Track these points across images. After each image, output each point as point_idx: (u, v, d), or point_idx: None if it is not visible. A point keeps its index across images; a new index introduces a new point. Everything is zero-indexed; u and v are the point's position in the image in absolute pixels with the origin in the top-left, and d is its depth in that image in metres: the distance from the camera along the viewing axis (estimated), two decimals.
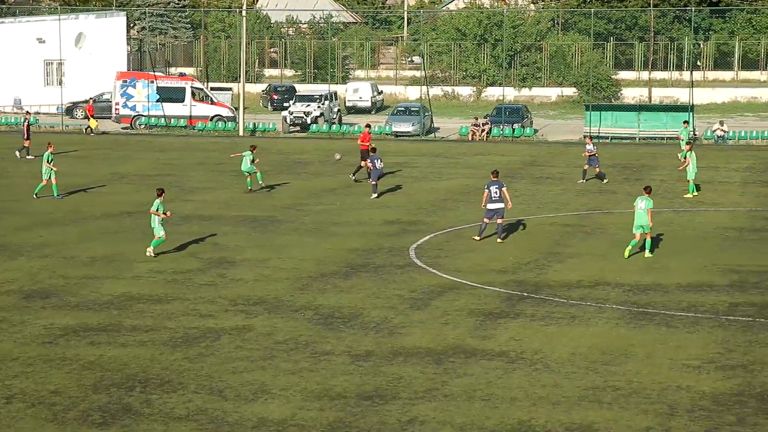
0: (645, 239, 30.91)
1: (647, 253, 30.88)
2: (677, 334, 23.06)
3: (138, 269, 29.28)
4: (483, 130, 65.02)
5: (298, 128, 69.12)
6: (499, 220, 33.30)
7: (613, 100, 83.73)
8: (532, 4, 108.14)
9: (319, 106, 69.91)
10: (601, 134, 63.39)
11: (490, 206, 33.19)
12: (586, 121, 64.68)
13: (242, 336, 22.98)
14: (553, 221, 36.91)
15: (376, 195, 41.93)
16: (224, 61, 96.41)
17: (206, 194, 42.94)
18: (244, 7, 73.35)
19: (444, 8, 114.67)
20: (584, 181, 45.95)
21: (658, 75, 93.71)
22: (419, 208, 39.48)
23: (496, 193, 33.13)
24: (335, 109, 72.40)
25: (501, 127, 65.71)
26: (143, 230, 35.08)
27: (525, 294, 26.63)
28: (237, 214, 37.85)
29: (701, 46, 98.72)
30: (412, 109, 69.41)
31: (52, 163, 41.32)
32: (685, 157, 42.71)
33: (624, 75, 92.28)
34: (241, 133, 67.22)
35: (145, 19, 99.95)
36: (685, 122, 55.91)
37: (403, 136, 66.32)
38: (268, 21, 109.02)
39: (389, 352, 21.87)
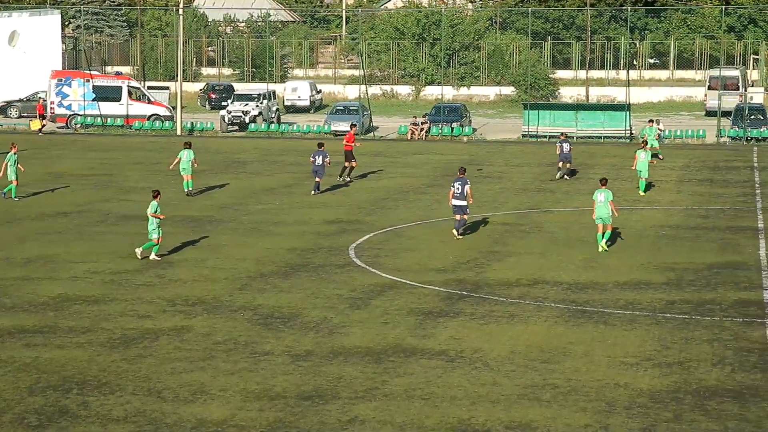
0: (606, 231, 31.45)
1: (604, 245, 31.42)
2: (615, 331, 23.23)
3: (75, 270, 28.96)
4: (422, 129, 65.13)
5: (236, 127, 68.80)
6: (462, 217, 33.42)
7: (550, 99, 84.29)
8: (470, 4, 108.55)
9: (257, 105, 69.63)
10: (539, 133, 63.78)
11: (454, 202, 33.43)
12: (524, 120, 65.01)
13: (181, 336, 22.80)
14: (492, 220, 37.04)
15: (315, 192, 41.97)
16: (161, 60, 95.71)
17: (144, 194, 42.44)
18: (181, 6, 72.84)
19: (382, 7, 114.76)
20: (563, 177, 46.79)
21: (595, 74, 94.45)
22: (359, 208, 39.45)
23: (458, 189, 33.35)
24: (274, 108, 72.14)
25: (440, 126, 65.86)
26: (79, 231, 34.75)
27: (464, 293, 26.69)
28: (175, 214, 37.53)
29: (637, 45, 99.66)
30: (351, 108, 69.35)
31: (15, 164, 40.52)
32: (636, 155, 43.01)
33: (561, 74, 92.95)
34: (178, 132, 66.76)
35: (80, 17, 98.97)
36: (650, 121, 56.26)
37: (342, 135, 66.17)
38: (206, 19, 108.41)
39: (329, 351, 21.81)
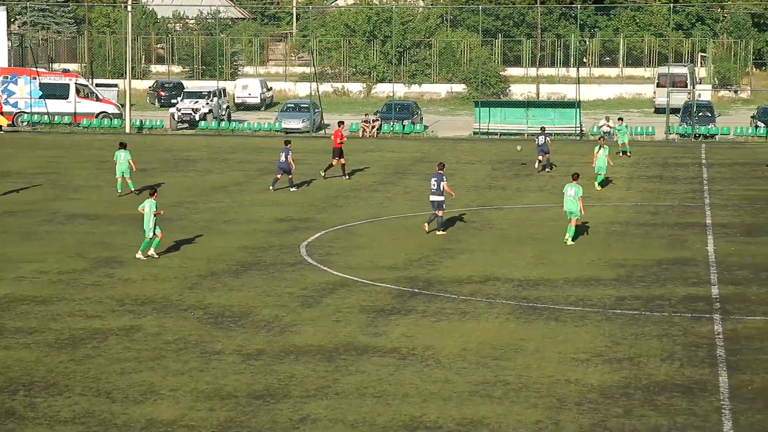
0: (571, 226, 32.06)
1: (569, 238, 32.04)
2: (565, 328, 23.31)
3: (21, 270, 28.63)
4: (373, 127, 65.10)
5: (186, 125, 68.43)
6: (439, 213, 33.57)
7: (501, 97, 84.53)
8: (420, 1, 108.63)
9: (207, 103, 69.31)
10: (490, 130, 63.97)
11: (431, 198, 33.70)
12: (475, 117, 65.19)
13: (130, 336, 22.61)
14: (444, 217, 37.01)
15: (273, 188, 42.21)
16: (109, 57, 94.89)
17: (92, 193, 42.20)
18: (130, 2, 72.27)
19: (333, 4, 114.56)
20: (544, 169, 48.21)
21: (546, 71, 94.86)
22: (310, 206, 39.34)
23: (434, 185, 33.56)
24: (224, 106, 71.84)
25: (391, 123, 65.85)
26: (27, 230, 34.36)
27: (416, 290, 26.67)
28: (124, 213, 37.24)
29: (587, 42, 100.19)
30: (302, 105, 69.21)
31: None
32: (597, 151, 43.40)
33: (512, 71, 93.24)
34: (127, 130, 66.27)
35: (26, 13, 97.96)
36: (620, 119, 56.52)
37: (293, 132, 66.05)
38: (155, 16, 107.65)
39: (280, 350, 21.72)
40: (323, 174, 45.69)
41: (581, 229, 34.40)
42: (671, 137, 63.06)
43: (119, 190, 41.14)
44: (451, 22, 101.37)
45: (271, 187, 42.27)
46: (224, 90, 73.87)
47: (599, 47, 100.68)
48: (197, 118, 68.31)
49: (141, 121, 68.38)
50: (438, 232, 33.59)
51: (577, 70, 73.46)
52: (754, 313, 24.48)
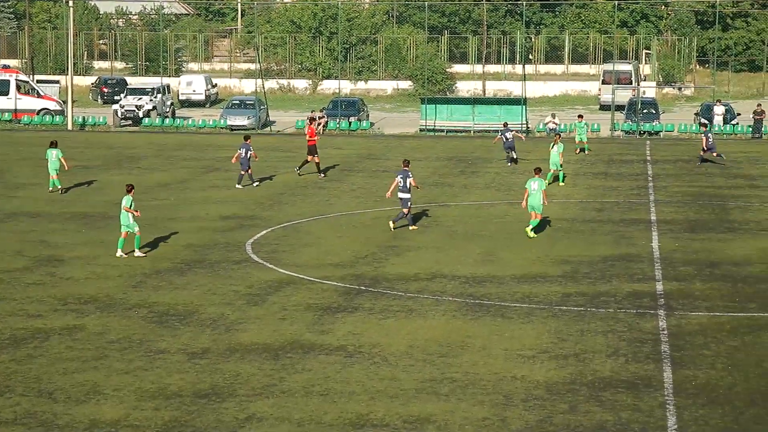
0: (536, 219, 32.73)
1: (531, 233, 32.51)
2: (512, 324, 23.34)
3: None
4: (319, 124, 64.92)
5: (129, 122, 67.87)
6: (405, 210, 33.86)
7: (448, 93, 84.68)
8: None
9: (151, 100, 68.80)
10: (436, 127, 64.04)
11: (400, 195, 33.95)
12: (421, 114, 65.21)
13: (73, 336, 22.34)
14: (390, 215, 36.99)
15: (241, 185, 42.48)
16: (51, 53, 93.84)
17: (33, 190, 41.68)
18: None
19: (278, 0, 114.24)
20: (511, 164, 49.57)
21: (492, 68, 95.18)
22: (255, 203, 39.13)
23: (401, 182, 33.86)
24: (168, 103, 71.34)
25: (337, 120, 65.73)
26: None
27: (363, 288, 26.60)
28: (66, 211, 36.86)
29: (533, 39, 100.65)
30: (248, 102, 68.87)
31: None
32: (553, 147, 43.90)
33: (458, 68, 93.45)
34: (69, 127, 65.60)
35: None
36: (579, 116, 56.80)
37: (238, 129, 65.73)
38: (97, 12, 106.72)
39: (226, 348, 21.56)
40: (298, 171, 45.78)
41: (527, 226, 34.50)
42: (616, 134, 63.48)
43: (50, 188, 40.88)
44: (397, 19, 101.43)
45: (238, 185, 42.48)
46: (168, 86, 73.37)
47: (545, 44, 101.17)
48: (141, 114, 67.79)
49: (83, 118, 67.68)
50: (392, 224, 33.82)
51: (523, 67, 73.72)
52: (698, 309, 24.66)
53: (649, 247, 31.42)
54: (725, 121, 63.92)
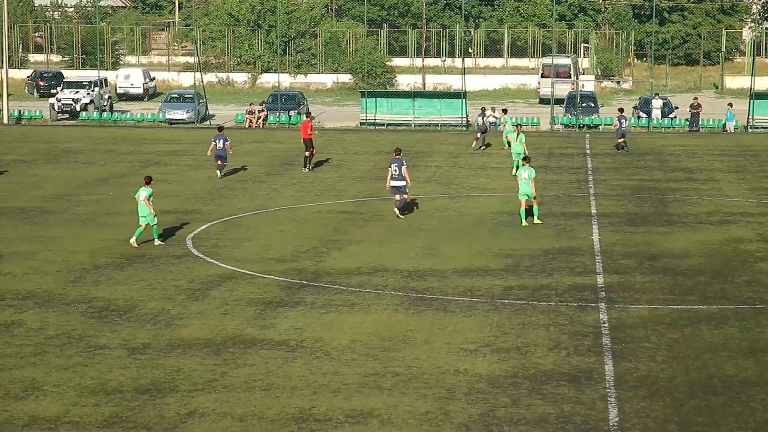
0: (531, 205, 33.62)
1: (536, 219, 33.57)
2: (454, 318, 23.38)
3: None
4: (259, 118, 64.66)
5: (66, 116, 67.13)
6: (400, 197, 34.69)
7: (388, 87, 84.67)
8: None
9: (88, 93, 68.10)
10: (377, 121, 64.01)
11: (393, 183, 34.66)
12: (362, 107, 65.15)
13: (11, 332, 22.05)
14: (331, 208, 36.96)
15: (220, 175, 43.06)
16: None
17: None
18: None
19: None
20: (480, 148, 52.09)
21: (432, 62, 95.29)
22: (196, 197, 38.88)
23: (396, 170, 34.50)
24: (106, 96, 70.66)
25: (277, 114, 65.49)
26: None
27: (305, 282, 26.52)
28: (3, 206, 36.37)
29: (472, 33, 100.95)
30: (186, 96, 68.38)
31: None
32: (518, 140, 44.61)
33: (398, 62, 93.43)
34: (5, 121, 64.74)
35: None
36: (504, 110, 57.41)
37: (177, 123, 65.28)
38: (32, 4, 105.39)
39: (167, 344, 21.39)
40: (305, 169, 45.63)
41: (468, 220, 34.64)
42: (556, 127, 63.84)
43: None
44: (336, 12, 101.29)
45: (218, 173, 43.06)
46: (106, 80, 72.63)
47: (484, 38, 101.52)
48: (78, 108, 67.07)
49: (19, 111, 66.80)
50: (397, 214, 34.63)
51: (463, 61, 73.85)
52: (638, 302, 24.86)
53: (589, 241, 31.62)
54: (663, 115, 64.52)
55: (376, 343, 21.55)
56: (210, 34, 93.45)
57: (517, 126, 47.56)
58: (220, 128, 45.07)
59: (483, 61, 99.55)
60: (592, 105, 65.97)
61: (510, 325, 22.83)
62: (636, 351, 21.13)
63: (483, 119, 54.25)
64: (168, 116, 65.54)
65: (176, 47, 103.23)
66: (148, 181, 30.96)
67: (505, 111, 57.22)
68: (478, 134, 53.41)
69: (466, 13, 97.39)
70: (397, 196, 34.82)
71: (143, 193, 30.28)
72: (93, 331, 22.20)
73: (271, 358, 20.58)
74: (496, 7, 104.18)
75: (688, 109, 63.80)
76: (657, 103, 64.65)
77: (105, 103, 69.81)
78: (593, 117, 64.51)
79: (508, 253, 29.79)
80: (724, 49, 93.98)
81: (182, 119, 65.55)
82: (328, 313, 23.79)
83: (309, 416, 17.67)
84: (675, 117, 64.66)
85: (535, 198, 33.71)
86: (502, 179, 43.89)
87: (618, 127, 52.67)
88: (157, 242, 30.56)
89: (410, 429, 17.24)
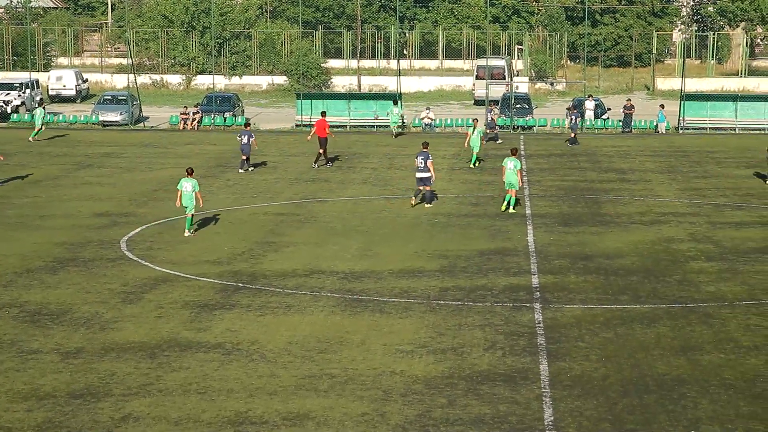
0: (511, 196, 35.69)
1: (512, 209, 35.70)
2: (390, 319, 23.41)
3: None
4: (194, 119, 64.30)
5: None
6: (426, 188, 36.61)
7: (323, 89, 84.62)
8: None
9: (19, 95, 67.35)
10: (312, 122, 63.86)
11: (418, 175, 36.56)
12: (297, 109, 65.03)
13: None
14: (267, 210, 36.87)
15: (243, 170, 44.73)
16: None
17: None
18: None
19: None
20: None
21: (367, 63, 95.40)
22: (130, 200, 38.58)
23: (421, 163, 36.27)
24: (37, 98, 69.86)
25: (212, 116, 65.17)
26: None
27: (240, 284, 26.42)
28: None
29: (407, 35, 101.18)
30: (120, 97, 67.82)
31: None
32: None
33: (333, 63, 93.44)
34: None
35: None
36: (394, 102, 58.90)
37: (110, 125, 64.73)
38: None
39: (101, 348, 21.20)
40: (329, 164, 47.02)
41: (404, 221, 34.72)
42: (462, 130, 64.11)
43: None
44: (270, 14, 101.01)
45: (240, 170, 44.77)
46: (37, 81, 71.86)
47: (419, 40, 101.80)
48: (9, 110, 66.27)
49: None
50: (426, 206, 36.51)
51: (398, 63, 74.04)
52: (573, 302, 25.06)
53: (524, 241, 31.83)
54: (596, 116, 65.12)
55: (313, 345, 21.52)
56: (143, 35, 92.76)
57: (474, 120, 50.23)
58: (247, 124, 46.87)
59: (418, 63, 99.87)
60: (527, 106, 66.40)
61: (446, 326, 22.91)
62: (570, 350, 21.30)
63: (490, 114, 57.91)
64: (101, 118, 64.97)
65: (109, 49, 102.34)
66: (191, 172, 32.26)
67: (395, 102, 60.36)
68: (488, 130, 56.61)
69: (401, 15, 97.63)
70: (421, 187, 36.63)
71: (188, 184, 31.67)
72: (25, 336, 21.95)
73: (207, 361, 20.48)
74: (430, 9, 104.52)
75: (621, 110, 64.46)
76: (590, 105, 65.24)
77: (36, 105, 68.98)
78: (527, 118, 64.94)
79: (444, 254, 29.90)
80: (655, 51, 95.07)
81: (116, 121, 65.01)
82: (264, 315, 23.72)
83: (245, 419, 17.61)
84: (608, 118, 65.30)
85: (517, 189, 35.80)
86: (437, 180, 43.97)
87: (569, 121, 56.85)
88: (187, 233, 31.87)
89: (347, 431, 17.25)
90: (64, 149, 53.03)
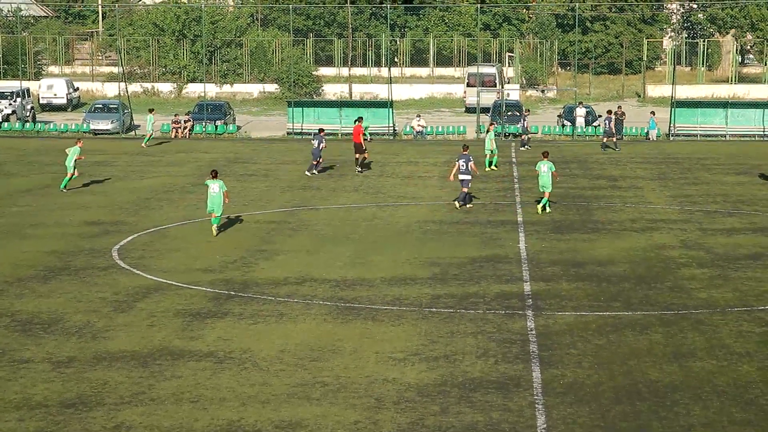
0: (546, 198, 37.28)
1: (539, 209, 37.17)
2: (383, 327, 23.40)
3: None
4: (185, 128, 64.28)
5: None
6: (465, 189, 38.14)
7: (315, 96, 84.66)
8: (230, 0, 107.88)
9: (10, 104, 67.35)
10: (304, 130, 63.94)
11: (460, 176, 38.05)
12: (288, 117, 65.06)
13: None
14: (259, 218, 36.85)
15: (311, 173, 46.62)
16: None
17: None
18: None
19: (140, 2, 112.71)
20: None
21: (358, 71, 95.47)
22: (121, 208, 38.53)
23: (463, 165, 37.83)
24: (28, 107, 69.84)
25: (203, 124, 65.14)
26: None
27: (232, 293, 26.39)
28: None
29: (398, 42, 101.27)
30: (111, 106, 67.83)
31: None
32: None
33: (325, 71, 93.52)
34: None
35: None
36: (418, 116, 59.16)
37: (102, 133, 64.68)
38: None
39: (92, 357, 21.15)
40: (360, 170, 47.99)
41: (396, 229, 34.73)
42: (482, 136, 64.21)
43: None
44: (261, 22, 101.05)
45: (308, 173, 46.69)
46: (28, 90, 71.84)
47: (410, 47, 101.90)
48: (0, 119, 66.18)
49: None
50: (467, 206, 38.23)
51: (389, 70, 74.10)
52: (564, 309, 25.07)
53: (516, 248, 31.84)
54: (587, 123, 65.23)
55: (305, 353, 21.50)
56: (134, 43, 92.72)
57: (490, 125, 52.28)
58: (321, 129, 48.51)
59: (409, 71, 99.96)
60: (518, 114, 66.48)
61: (438, 334, 22.90)
62: (563, 358, 21.30)
63: (524, 122, 59.35)
64: (92, 126, 64.96)
65: (100, 57, 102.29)
66: (215, 174, 33.52)
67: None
68: (523, 136, 58.41)
69: (392, 22, 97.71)
70: (465, 189, 38.08)
71: (214, 185, 32.74)
72: (17, 345, 21.89)
73: (199, 369, 20.44)
74: (421, 16, 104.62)
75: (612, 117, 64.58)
76: (581, 112, 65.35)
77: (27, 114, 68.98)
78: (518, 125, 65.00)
79: (436, 262, 29.90)
80: (645, 59, 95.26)
81: (107, 129, 64.97)
82: (256, 323, 23.69)
83: (238, 428, 17.57)
84: (599, 125, 65.40)
85: (551, 191, 37.24)
86: (428, 188, 44.07)
87: (605, 125, 57.71)
88: (215, 231, 33.06)
89: None
90: (55, 158, 52.92)
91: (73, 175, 42.42)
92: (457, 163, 38.30)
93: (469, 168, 37.88)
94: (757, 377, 20.18)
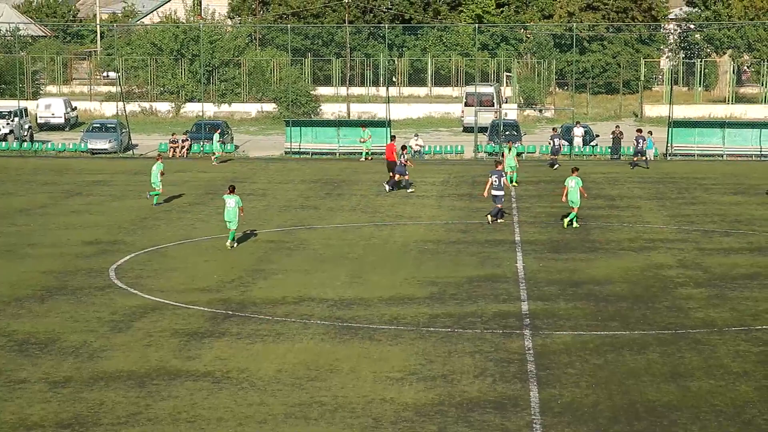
0: (574, 213, 38.23)
1: (567, 222, 38.27)
2: (380, 347, 23.37)
3: None
4: (183, 147, 64.30)
5: None
6: (499, 205, 39.32)
7: (312, 116, 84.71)
8: (228, 20, 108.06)
9: (8, 123, 67.35)
10: (302, 150, 63.99)
11: (494, 192, 39.19)
12: (286, 136, 65.09)
13: None
14: (257, 238, 36.83)
15: (389, 188, 47.65)
16: None
17: None
18: None
19: (138, 22, 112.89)
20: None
21: (356, 90, 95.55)
22: (119, 228, 38.51)
23: (496, 181, 39.06)
24: (26, 126, 69.86)
25: (201, 143, 65.17)
26: None
27: (230, 312, 26.36)
28: None
29: (396, 62, 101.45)
30: (109, 125, 67.83)
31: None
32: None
33: (323, 90, 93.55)
34: None
35: None
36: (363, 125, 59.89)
37: (99, 153, 64.70)
38: None
39: (89, 377, 21.11)
40: (389, 187, 48.20)
41: (393, 248, 34.72)
42: (480, 156, 64.27)
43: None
44: (260, 41, 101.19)
45: (387, 189, 47.60)
46: (26, 110, 71.86)
47: (408, 67, 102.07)
48: None
49: None
50: (499, 220, 39.24)
51: (387, 90, 74.16)
52: (562, 328, 25.05)
53: (513, 268, 31.83)
54: (584, 143, 65.26)
55: (303, 372, 21.47)
56: (132, 63, 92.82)
57: (509, 142, 53.61)
58: (404, 147, 49.59)
59: (407, 90, 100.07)
60: (515, 133, 66.51)
61: (436, 353, 22.87)
62: (560, 377, 21.28)
63: (557, 140, 59.27)
64: (90, 146, 64.95)
65: (98, 76, 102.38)
66: (233, 189, 34.68)
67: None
68: (552, 156, 58.95)
69: (390, 42, 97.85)
70: (499, 205, 39.17)
71: (231, 200, 34.07)
72: (13, 365, 21.85)
73: (197, 389, 20.40)
74: (419, 36, 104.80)
75: (610, 136, 64.68)
76: (578, 131, 65.39)
77: (25, 133, 69.01)
78: (516, 145, 64.96)
79: (434, 281, 29.88)
80: (642, 78, 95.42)
81: (105, 149, 64.99)
82: (253, 343, 23.66)
83: None
84: (596, 145, 65.45)
85: (579, 206, 38.13)
86: (426, 207, 44.07)
87: (636, 145, 58.41)
88: (229, 245, 34.17)
89: None
90: (52, 177, 52.97)
91: (160, 190, 43.71)
92: (489, 179, 39.27)
93: (502, 183, 39.07)
94: (754, 397, 20.16)
